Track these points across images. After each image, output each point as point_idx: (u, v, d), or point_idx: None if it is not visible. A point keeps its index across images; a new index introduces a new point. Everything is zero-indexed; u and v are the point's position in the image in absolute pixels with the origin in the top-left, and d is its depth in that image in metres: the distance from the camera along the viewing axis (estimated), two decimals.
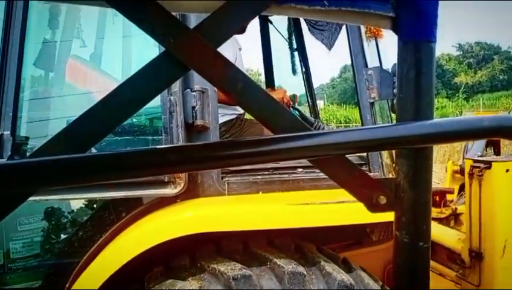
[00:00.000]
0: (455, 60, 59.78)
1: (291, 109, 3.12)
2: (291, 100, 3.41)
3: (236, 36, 3.03)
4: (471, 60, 58.91)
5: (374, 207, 0.72)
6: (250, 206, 1.81)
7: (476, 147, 3.31)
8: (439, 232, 2.52)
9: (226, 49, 2.66)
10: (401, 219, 0.74)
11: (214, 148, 0.64)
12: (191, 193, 1.82)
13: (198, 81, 1.87)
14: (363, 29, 2.30)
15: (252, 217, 1.76)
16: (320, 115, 3.89)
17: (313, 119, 3.06)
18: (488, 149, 3.83)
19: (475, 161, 2.06)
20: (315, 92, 3.78)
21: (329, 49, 3.22)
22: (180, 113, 1.83)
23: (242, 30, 3.01)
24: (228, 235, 1.86)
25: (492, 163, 1.95)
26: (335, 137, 0.64)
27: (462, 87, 41.72)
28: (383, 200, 0.71)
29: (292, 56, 3.77)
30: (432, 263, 2.51)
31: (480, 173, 1.98)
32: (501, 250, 1.93)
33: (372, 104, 2.19)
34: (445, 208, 3.15)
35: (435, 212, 3.32)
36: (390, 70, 2.24)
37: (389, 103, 2.32)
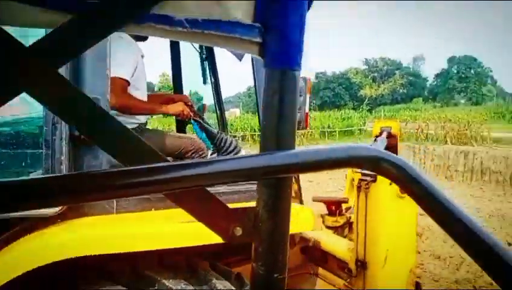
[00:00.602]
0: (362, 73, 63.93)
1: (192, 121, 3.05)
2: (199, 110, 3.36)
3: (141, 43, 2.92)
4: (376, 74, 63.41)
5: (230, 239, 0.69)
6: (139, 225, 1.71)
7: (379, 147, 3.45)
8: (331, 242, 2.63)
9: (126, 56, 2.55)
10: (258, 250, 0.72)
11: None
12: (74, 211, 1.68)
13: (88, 90, 1.75)
14: None
15: (140, 237, 1.66)
16: (228, 126, 3.86)
17: (215, 130, 3.03)
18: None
19: (363, 174, 2.17)
20: (223, 102, 3.76)
21: (240, 60, 3.23)
22: (65, 124, 1.68)
23: (144, 38, 2.91)
24: (118, 257, 1.75)
25: (378, 177, 2.07)
26: (191, 170, 0.60)
27: (367, 100, 44.74)
28: (238, 231, 0.69)
29: (203, 65, 3.73)
30: (324, 272, 2.62)
31: (367, 186, 2.10)
32: (383, 260, 2.06)
33: None
34: (341, 216, 3.30)
35: (330, 221, 3.47)
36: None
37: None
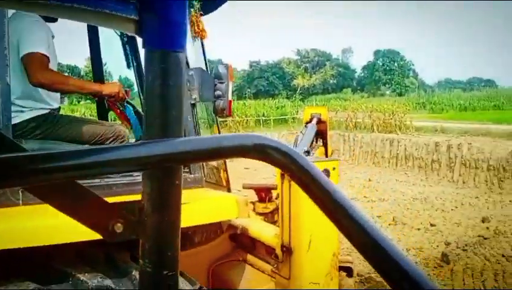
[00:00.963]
0: (294, 63, 65.22)
1: (126, 103, 2.94)
2: None
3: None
4: (308, 65, 64.98)
5: (111, 236, 0.64)
6: (49, 217, 1.60)
7: (305, 141, 3.42)
8: (259, 229, 2.66)
9: (41, 33, 2.37)
10: (144, 246, 0.67)
11: None
12: None
13: None
14: (188, 27, 2.28)
15: (51, 230, 1.55)
16: None
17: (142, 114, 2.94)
18: (318, 140, 4.14)
19: None
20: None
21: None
22: None
23: (54, 19, 2.73)
24: (29, 252, 1.63)
25: None
26: (55, 162, 0.52)
27: (299, 89, 45.76)
28: (119, 227, 0.64)
29: (124, 49, 3.58)
30: (252, 259, 2.65)
31: None
32: (307, 244, 2.11)
33: (193, 105, 2.19)
34: (270, 203, 3.35)
35: (260, 207, 3.51)
36: (212, 72, 2.27)
37: (212, 105, 2.35)
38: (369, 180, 15.41)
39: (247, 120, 27.99)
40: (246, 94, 48.48)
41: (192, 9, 2.23)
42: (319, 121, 4.13)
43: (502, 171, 13.00)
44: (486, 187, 13.27)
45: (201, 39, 2.39)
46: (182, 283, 1.88)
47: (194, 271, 2.45)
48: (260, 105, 34.89)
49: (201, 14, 2.29)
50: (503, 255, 7.45)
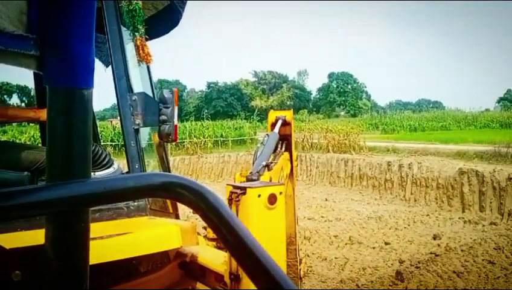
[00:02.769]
0: (252, 85, 65.92)
1: None
2: None
3: None
4: (265, 86, 65.88)
5: (9, 286, 0.58)
6: None
7: (265, 153, 3.35)
8: (208, 255, 2.59)
9: None
10: None
11: None
12: None
13: None
14: (130, 52, 2.23)
15: None
16: (100, 137, 3.63)
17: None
18: (282, 146, 4.09)
19: (234, 187, 2.17)
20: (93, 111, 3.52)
21: (107, 66, 3.06)
22: None
23: None
24: None
25: (247, 189, 2.08)
26: None
27: (257, 110, 46.21)
28: (17, 276, 0.58)
29: None
30: (202, 287, 2.57)
31: (237, 198, 2.10)
32: None
33: (137, 130, 2.13)
34: None
35: (211, 232, 3.43)
36: (157, 97, 2.23)
37: (158, 130, 2.29)
38: (326, 199, 15.63)
39: (205, 141, 27.81)
40: (204, 115, 48.36)
41: (137, 34, 2.19)
42: (284, 123, 4.14)
43: (450, 189, 13.55)
44: (437, 205, 13.77)
45: (147, 63, 2.35)
46: None
47: None
48: (218, 126, 34.79)
49: (146, 39, 2.26)
50: (454, 272, 7.70)
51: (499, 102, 64.07)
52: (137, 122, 2.10)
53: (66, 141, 0.58)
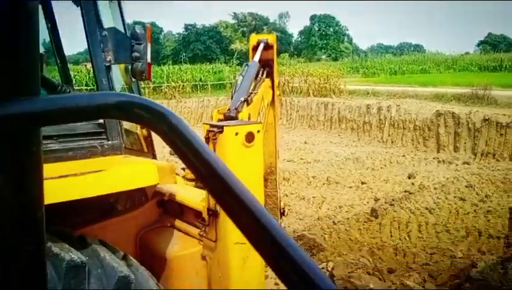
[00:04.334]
0: (231, 27, 64.12)
1: None
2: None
3: None
4: (245, 29, 64.18)
5: None
6: None
7: (244, 86, 3.21)
8: (186, 193, 2.62)
9: None
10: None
11: None
12: None
13: None
14: None
15: None
16: (72, 79, 3.52)
17: (56, 82, 2.73)
18: (263, 73, 4.01)
19: (211, 126, 2.16)
20: (64, 53, 3.39)
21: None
22: None
23: None
24: None
25: (224, 127, 2.07)
26: None
27: (236, 53, 45.32)
28: None
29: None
30: (180, 223, 2.62)
31: (214, 137, 2.10)
32: None
33: (108, 67, 2.07)
34: None
35: (189, 173, 3.46)
36: (128, 33, 2.14)
37: (130, 67, 2.22)
38: (305, 142, 15.83)
39: (184, 85, 27.35)
40: (182, 58, 47.24)
41: None
42: (267, 47, 4.05)
43: (426, 130, 13.84)
44: (413, 146, 14.11)
45: (119, 1, 2.23)
46: (104, 253, 1.82)
47: (120, 239, 2.39)
48: (197, 70, 34.08)
49: None
50: (426, 208, 8.04)
51: (478, 45, 64.25)
52: (108, 59, 2.03)
53: (9, 54, 0.52)
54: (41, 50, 3.79)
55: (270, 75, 4.19)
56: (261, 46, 3.97)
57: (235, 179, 0.56)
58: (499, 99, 17.49)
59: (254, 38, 4.20)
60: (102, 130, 2.11)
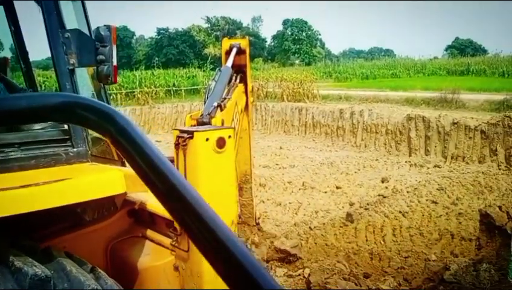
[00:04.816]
0: (205, 31, 63.93)
1: None
2: (1, 63, 2.86)
3: None
4: (218, 33, 64.08)
5: None
6: None
7: (217, 91, 3.16)
8: (158, 202, 2.53)
9: None
10: None
11: None
12: None
13: None
14: None
15: None
16: (36, 83, 3.37)
17: (18, 86, 2.59)
18: (236, 79, 3.93)
19: (180, 131, 2.08)
20: (28, 56, 3.24)
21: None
22: None
23: None
24: None
25: (194, 133, 2.00)
26: None
27: (210, 58, 45.13)
28: None
29: None
30: (152, 233, 2.52)
31: (184, 143, 2.02)
32: None
33: (72, 71, 1.96)
34: None
35: None
36: (92, 34, 2.04)
37: (94, 70, 2.12)
38: (281, 148, 15.85)
39: (157, 91, 27.01)
40: (154, 63, 46.68)
41: None
42: (239, 51, 3.99)
43: (398, 134, 14.07)
44: (385, 150, 14.32)
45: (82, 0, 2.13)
46: (70, 266, 1.71)
47: (89, 251, 2.28)
48: (170, 74, 33.68)
49: None
50: (400, 212, 8.13)
51: (446, 50, 66.03)
52: (71, 62, 1.92)
53: None
54: (7, 54, 3.64)
55: (243, 80, 4.14)
56: (234, 50, 3.92)
57: (185, 184, 0.53)
58: (467, 103, 17.97)
59: (226, 42, 4.14)
60: (67, 136, 2.00)
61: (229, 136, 2.07)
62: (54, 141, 2.00)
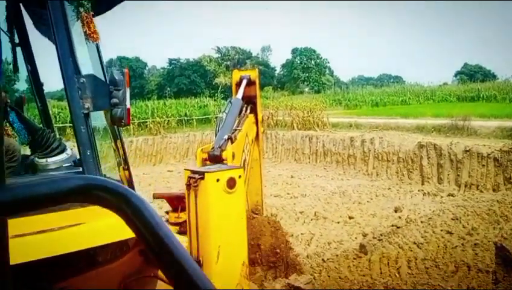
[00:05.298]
0: (215, 61, 64.98)
1: (9, 108, 2.63)
2: (18, 102, 2.93)
3: None
4: (229, 63, 65.08)
5: None
6: None
7: (227, 123, 3.20)
8: None
9: None
10: None
11: None
12: None
13: None
14: (76, 30, 2.08)
15: None
16: (52, 120, 3.45)
17: (38, 126, 2.65)
18: (247, 109, 3.97)
19: (192, 172, 2.10)
20: (44, 93, 3.33)
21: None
22: None
23: None
24: None
25: (205, 174, 2.02)
26: None
27: (221, 87, 45.68)
28: None
29: (14, 51, 3.24)
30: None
31: (196, 184, 2.03)
32: (216, 256, 2.03)
33: (86, 114, 2.01)
34: (183, 212, 3.21)
35: (173, 217, 3.37)
36: (107, 79, 2.10)
37: (109, 113, 2.17)
38: (292, 176, 15.80)
39: (169, 120, 27.33)
40: (166, 93, 47.41)
41: (81, 9, 2.04)
42: (249, 82, 4.03)
43: (410, 162, 13.95)
44: (397, 178, 14.17)
45: (94, 42, 2.20)
46: None
47: (107, 288, 2.28)
48: (182, 104, 34.18)
49: (92, 15, 2.11)
50: (414, 243, 7.97)
51: (456, 76, 66.11)
52: (86, 106, 1.97)
53: None
54: (24, 88, 3.74)
55: (253, 110, 4.18)
56: (244, 82, 3.98)
57: (195, 268, 0.56)
58: (478, 130, 17.83)
59: (237, 74, 4.20)
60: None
61: (239, 176, 2.08)
62: None
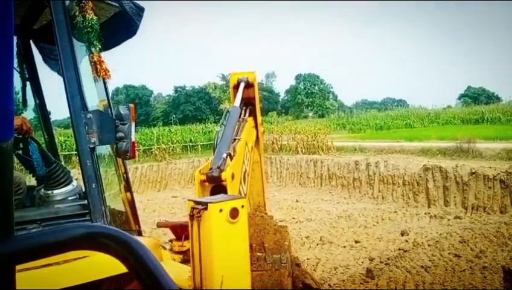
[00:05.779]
0: (220, 88, 65.62)
1: (30, 139, 2.70)
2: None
3: None
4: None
5: None
6: None
7: (226, 137, 3.13)
8: (173, 271, 2.55)
9: None
10: None
11: None
12: None
13: None
14: (84, 69, 2.17)
15: None
16: (58, 151, 3.53)
17: (53, 159, 2.71)
18: (246, 113, 3.91)
19: (195, 202, 2.15)
20: (51, 125, 3.42)
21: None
22: None
23: None
24: None
25: (208, 204, 2.06)
26: None
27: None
28: None
29: (24, 86, 3.35)
30: None
31: (199, 214, 2.08)
32: (219, 286, 2.05)
33: (92, 149, 2.08)
34: (187, 241, 3.24)
35: (177, 245, 3.39)
36: (113, 114, 2.18)
37: (115, 147, 2.24)
38: (297, 201, 15.74)
39: (174, 147, 27.48)
40: (172, 120, 47.80)
41: (93, 49, 2.14)
42: (247, 85, 3.98)
43: (415, 185, 13.90)
44: (403, 201, 14.09)
45: (104, 79, 2.28)
46: None
47: None
48: (187, 130, 34.43)
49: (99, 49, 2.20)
50: (422, 266, 7.88)
51: (459, 98, 66.23)
52: (92, 141, 2.05)
53: None
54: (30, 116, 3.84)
55: (252, 112, 4.12)
56: (242, 85, 3.92)
57: None
58: (483, 152, 17.77)
59: (234, 76, 4.12)
60: (86, 211, 2.09)
61: (242, 206, 2.12)
62: (74, 216, 2.08)
